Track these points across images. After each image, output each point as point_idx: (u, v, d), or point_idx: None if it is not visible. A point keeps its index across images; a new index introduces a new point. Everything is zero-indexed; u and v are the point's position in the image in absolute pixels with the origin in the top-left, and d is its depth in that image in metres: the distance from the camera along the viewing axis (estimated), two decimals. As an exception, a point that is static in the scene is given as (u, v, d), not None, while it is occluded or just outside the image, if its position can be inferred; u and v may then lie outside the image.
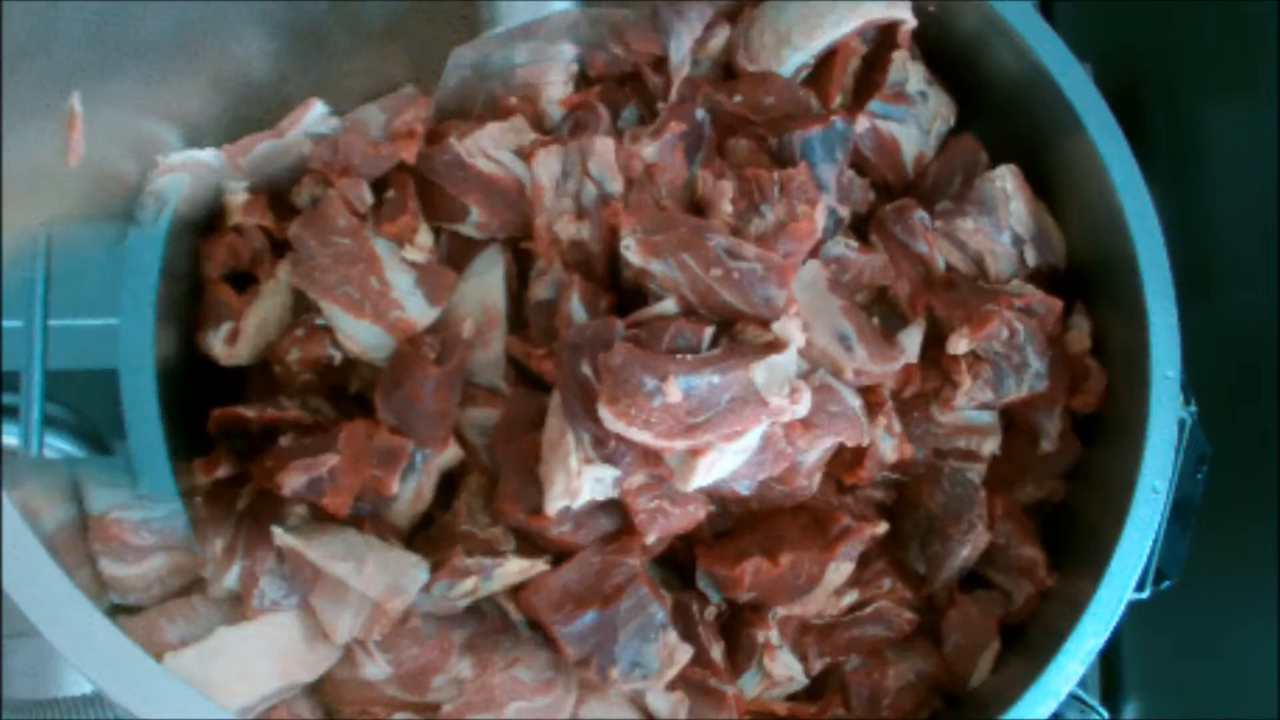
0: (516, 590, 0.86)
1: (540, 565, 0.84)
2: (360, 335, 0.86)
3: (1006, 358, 0.92)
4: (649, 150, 0.88)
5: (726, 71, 0.98)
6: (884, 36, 0.97)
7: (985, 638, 0.92)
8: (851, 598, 0.92)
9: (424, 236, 0.88)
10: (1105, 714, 0.92)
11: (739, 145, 0.92)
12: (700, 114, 0.91)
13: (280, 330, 0.88)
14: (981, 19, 0.94)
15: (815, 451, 0.87)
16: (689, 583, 0.91)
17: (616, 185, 0.88)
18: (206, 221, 0.90)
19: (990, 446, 0.96)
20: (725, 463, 0.81)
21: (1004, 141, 0.99)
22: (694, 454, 0.80)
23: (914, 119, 0.98)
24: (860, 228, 0.97)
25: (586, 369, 0.81)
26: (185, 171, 0.84)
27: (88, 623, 0.63)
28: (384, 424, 0.84)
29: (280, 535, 0.81)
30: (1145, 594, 0.91)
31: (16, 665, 1.04)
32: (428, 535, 0.88)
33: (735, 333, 0.84)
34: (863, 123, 0.95)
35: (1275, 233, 1.00)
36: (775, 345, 0.82)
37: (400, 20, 0.92)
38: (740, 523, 0.91)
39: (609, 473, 0.81)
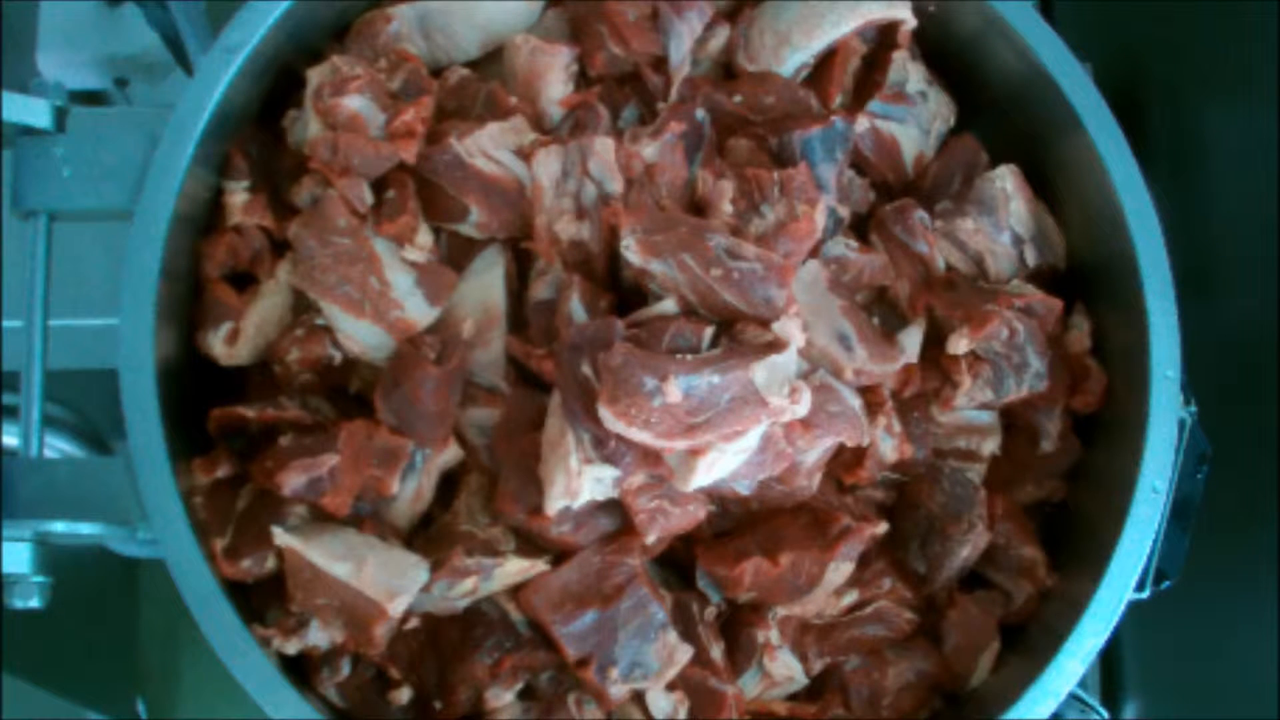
0: (516, 590, 0.86)
1: (540, 565, 0.85)
2: (360, 335, 0.86)
3: (1006, 358, 0.92)
4: (649, 150, 0.88)
5: (726, 71, 0.98)
6: (884, 36, 0.97)
7: (985, 638, 0.92)
8: (851, 598, 0.92)
9: (424, 236, 0.88)
10: (1105, 714, 0.92)
11: (739, 145, 0.92)
12: (700, 114, 0.91)
13: (280, 330, 0.88)
14: (981, 19, 0.94)
15: (815, 451, 0.87)
16: (689, 583, 0.91)
17: (616, 185, 0.88)
18: (206, 221, 0.90)
19: (990, 446, 0.96)
20: (725, 463, 0.81)
21: (1004, 141, 0.99)
22: (694, 454, 0.80)
23: (914, 119, 0.98)
24: (860, 228, 0.97)
25: (586, 369, 0.81)
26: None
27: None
28: (384, 424, 0.84)
29: (280, 535, 0.81)
30: (1145, 594, 0.91)
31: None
32: (428, 535, 0.88)
33: (735, 333, 0.84)
34: (863, 123, 0.95)
35: (1275, 233, 1.00)
36: (775, 345, 0.82)
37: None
38: (740, 523, 0.91)
39: (609, 473, 0.81)
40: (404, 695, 0.86)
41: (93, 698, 1.36)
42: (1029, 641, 0.92)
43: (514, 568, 0.84)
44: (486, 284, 0.89)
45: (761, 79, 0.94)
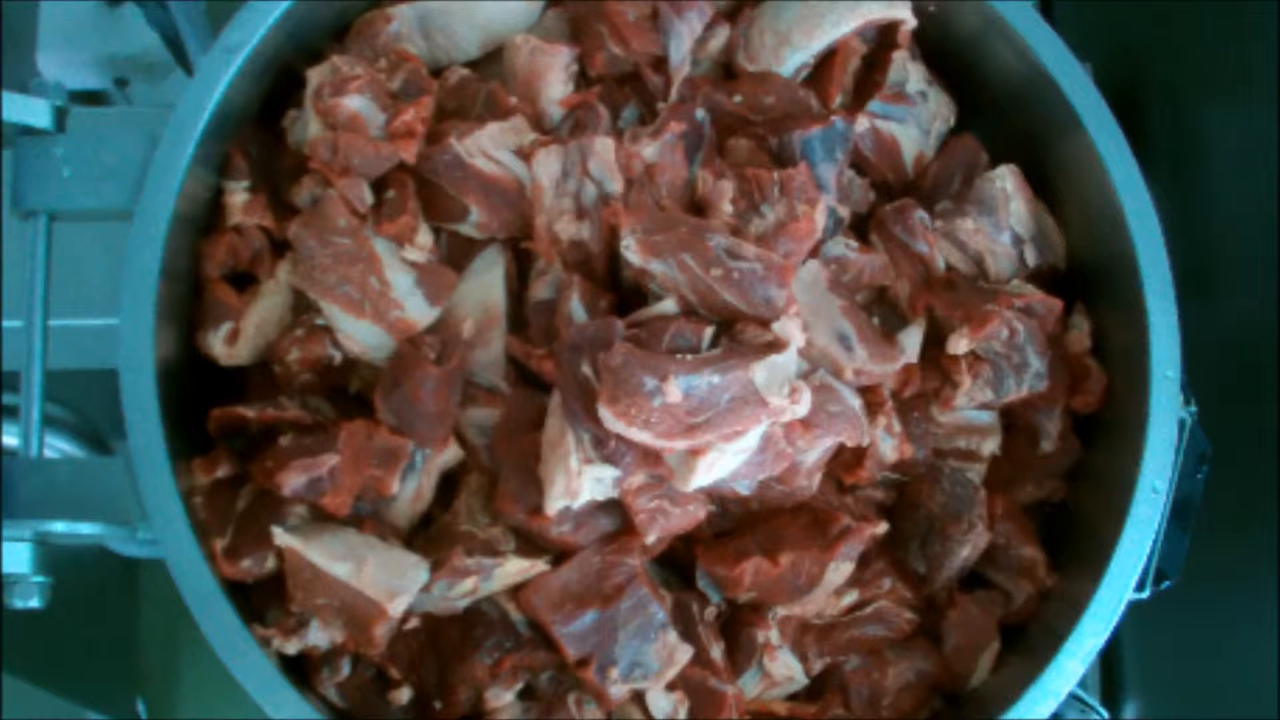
0: (516, 590, 0.86)
1: (540, 565, 0.85)
2: (360, 335, 0.86)
3: (1006, 358, 0.92)
4: (649, 150, 0.88)
5: (726, 71, 0.98)
6: (884, 36, 0.97)
7: (985, 638, 0.92)
8: (851, 598, 0.92)
9: (424, 236, 0.88)
10: (1105, 714, 0.92)
11: (739, 145, 0.92)
12: (700, 114, 0.91)
13: (280, 330, 0.88)
14: (981, 19, 0.94)
15: (815, 451, 0.87)
16: (689, 583, 0.91)
17: (616, 185, 0.88)
18: (206, 221, 0.90)
19: (990, 446, 0.96)
20: (725, 463, 0.81)
21: (1004, 141, 0.99)
22: (694, 454, 0.80)
23: (914, 119, 0.98)
24: (860, 228, 0.97)
25: (586, 369, 0.81)
26: None
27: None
28: (384, 424, 0.84)
29: (280, 535, 0.81)
30: (1145, 594, 0.91)
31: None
32: (428, 535, 0.88)
33: (735, 333, 0.84)
34: (863, 123, 0.95)
35: (1275, 233, 1.00)
36: (775, 345, 0.82)
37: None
38: (740, 523, 0.91)
39: (609, 473, 0.81)
40: (404, 695, 0.86)
41: (93, 698, 1.36)
42: (1029, 641, 0.92)
43: (514, 568, 0.84)
44: (486, 284, 0.89)
45: (761, 79, 0.94)
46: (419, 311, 0.86)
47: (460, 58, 0.94)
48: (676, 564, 0.92)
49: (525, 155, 0.88)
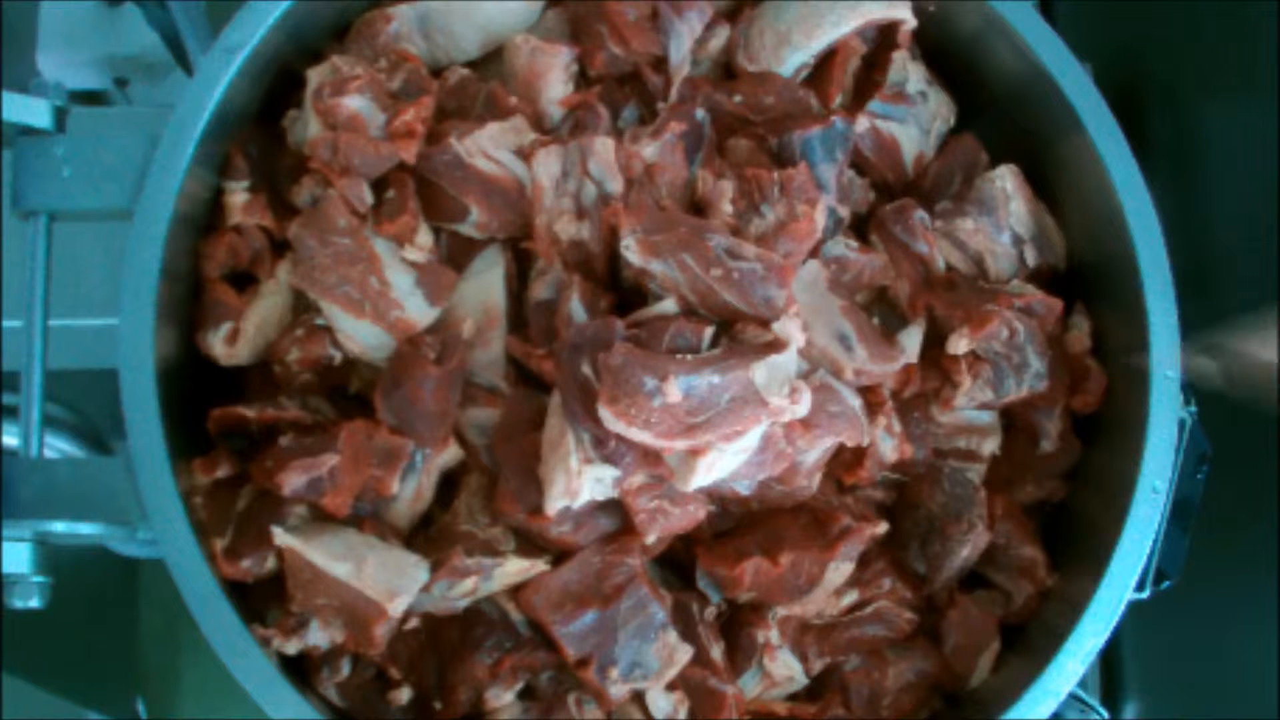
0: (516, 590, 0.86)
1: (540, 565, 0.85)
2: (360, 335, 0.86)
3: (1006, 358, 0.92)
4: (649, 150, 0.88)
5: (726, 71, 0.98)
6: (884, 36, 0.97)
7: (985, 638, 0.92)
8: (851, 598, 0.92)
9: (424, 236, 0.88)
10: (1105, 714, 0.92)
11: (739, 145, 0.92)
12: (700, 114, 0.91)
13: (280, 330, 0.88)
14: (981, 19, 0.94)
15: (815, 451, 0.87)
16: (689, 583, 0.91)
17: (616, 185, 0.88)
18: (206, 221, 0.90)
19: (990, 446, 0.96)
20: (725, 463, 0.81)
21: (1004, 141, 0.99)
22: (694, 454, 0.80)
23: (914, 119, 0.98)
24: (860, 228, 0.97)
25: (586, 369, 0.81)
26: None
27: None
28: (384, 424, 0.84)
29: (280, 535, 0.81)
30: (1145, 594, 0.91)
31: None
32: (428, 535, 0.88)
33: (735, 333, 0.84)
34: (863, 123, 0.95)
35: (1275, 233, 1.00)
36: (775, 345, 0.82)
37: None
38: (740, 523, 0.91)
39: (609, 473, 0.81)
40: (404, 695, 0.86)
41: (93, 698, 1.36)
42: (1029, 641, 0.92)
43: (514, 568, 0.84)
44: (486, 284, 0.89)
45: (761, 79, 0.94)
46: (419, 311, 0.86)
47: (460, 58, 0.94)
48: (676, 564, 0.92)
49: (525, 155, 0.88)
